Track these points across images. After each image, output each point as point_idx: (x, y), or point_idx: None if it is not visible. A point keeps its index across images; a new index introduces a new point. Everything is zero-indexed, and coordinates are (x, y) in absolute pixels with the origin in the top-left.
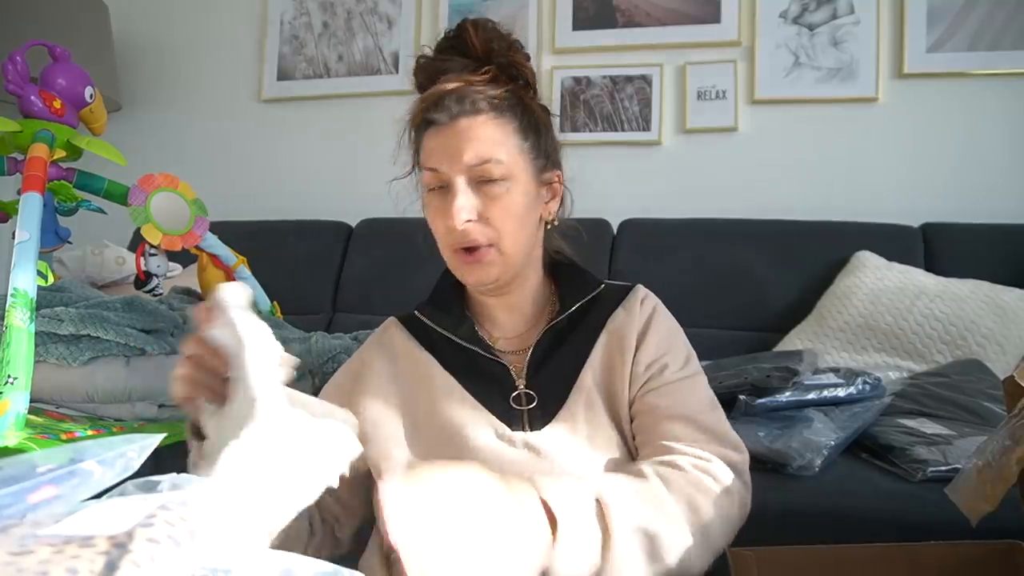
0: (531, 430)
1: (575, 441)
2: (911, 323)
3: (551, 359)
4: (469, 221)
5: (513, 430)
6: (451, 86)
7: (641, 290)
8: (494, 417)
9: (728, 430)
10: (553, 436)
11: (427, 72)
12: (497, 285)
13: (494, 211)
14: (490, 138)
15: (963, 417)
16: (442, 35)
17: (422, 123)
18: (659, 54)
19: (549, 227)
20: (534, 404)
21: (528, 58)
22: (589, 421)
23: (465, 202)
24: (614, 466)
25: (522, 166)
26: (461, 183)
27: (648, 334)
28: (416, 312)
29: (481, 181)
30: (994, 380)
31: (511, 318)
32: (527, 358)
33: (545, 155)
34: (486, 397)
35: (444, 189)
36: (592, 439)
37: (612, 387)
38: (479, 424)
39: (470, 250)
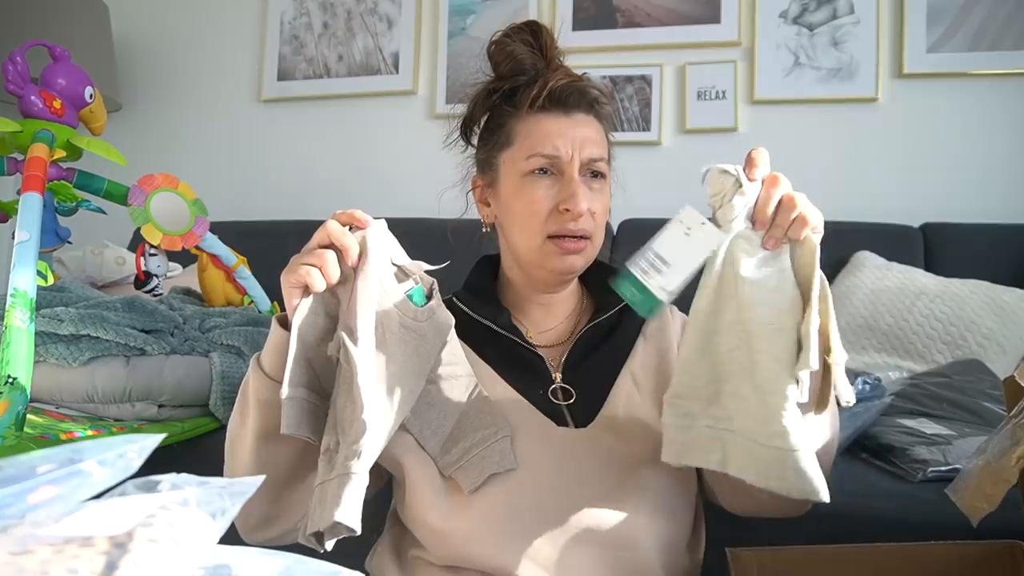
0: (575, 426)
1: (618, 438)
2: (911, 323)
3: (590, 357)
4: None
5: (558, 424)
6: (571, 80)
7: None
8: (536, 409)
9: None
10: (598, 432)
11: (510, 61)
12: (570, 278)
13: (597, 206)
14: (600, 138)
15: (963, 417)
16: (512, 24)
17: (530, 107)
18: (659, 54)
19: None
20: (572, 400)
21: None
22: (629, 420)
23: (587, 191)
24: (658, 461)
25: (609, 171)
26: (576, 173)
27: None
28: (454, 298)
29: (590, 176)
30: (994, 380)
31: (546, 313)
32: (565, 354)
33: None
34: (524, 387)
35: (552, 174)
36: (631, 438)
37: (662, 388)
38: (523, 412)
39: (574, 238)
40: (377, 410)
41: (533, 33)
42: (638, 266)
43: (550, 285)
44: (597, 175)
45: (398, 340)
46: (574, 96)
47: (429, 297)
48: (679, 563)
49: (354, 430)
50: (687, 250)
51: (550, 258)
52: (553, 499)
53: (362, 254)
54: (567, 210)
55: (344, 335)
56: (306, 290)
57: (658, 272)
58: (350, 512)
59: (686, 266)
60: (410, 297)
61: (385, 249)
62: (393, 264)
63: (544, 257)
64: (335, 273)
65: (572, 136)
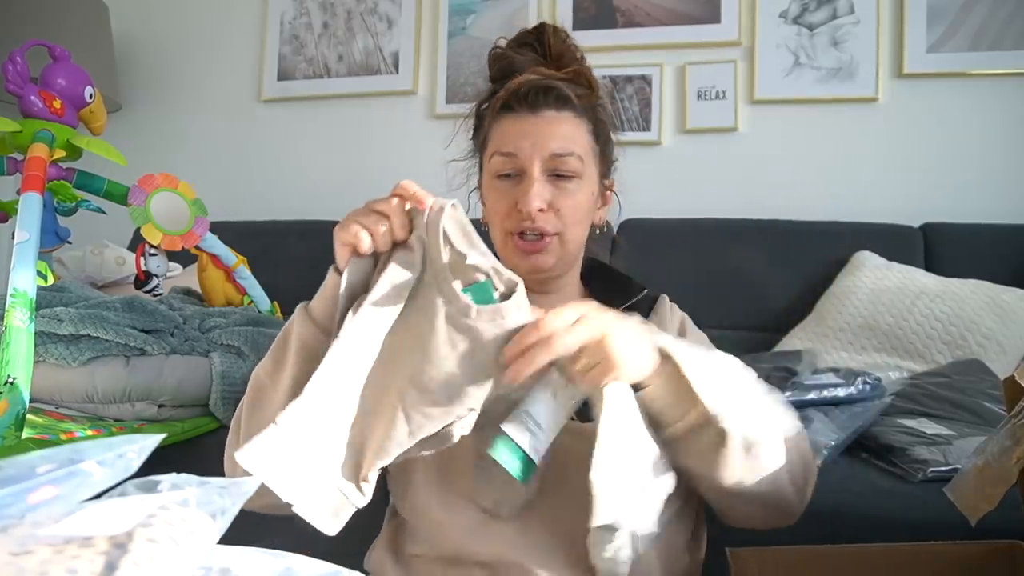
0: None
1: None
2: (911, 323)
3: None
4: (541, 210)
5: None
6: (538, 78)
7: (667, 299)
8: None
9: None
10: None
11: (500, 63)
12: (548, 276)
13: (565, 203)
14: (570, 134)
15: (963, 417)
16: (519, 30)
17: (500, 109)
18: (659, 54)
19: (598, 232)
20: None
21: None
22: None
23: (541, 189)
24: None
25: (591, 168)
26: (537, 171)
27: (688, 335)
28: None
29: (556, 174)
30: (994, 380)
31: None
32: None
33: (607, 162)
34: None
35: (516, 176)
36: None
37: None
38: None
39: (535, 237)
40: (337, 405)
41: (538, 36)
42: (516, 429)
43: (531, 283)
44: (564, 176)
45: (444, 340)
46: (540, 94)
47: (506, 297)
48: (679, 563)
49: (287, 404)
50: (555, 411)
51: (514, 257)
52: (552, 496)
53: (411, 236)
54: (521, 209)
55: (349, 316)
56: (355, 249)
57: (532, 435)
58: (249, 455)
59: (554, 427)
60: (470, 293)
61: (442, 235)
62: (459, 253)
63: (510, 256)
64: (384, 243)
65: (535, 135)
